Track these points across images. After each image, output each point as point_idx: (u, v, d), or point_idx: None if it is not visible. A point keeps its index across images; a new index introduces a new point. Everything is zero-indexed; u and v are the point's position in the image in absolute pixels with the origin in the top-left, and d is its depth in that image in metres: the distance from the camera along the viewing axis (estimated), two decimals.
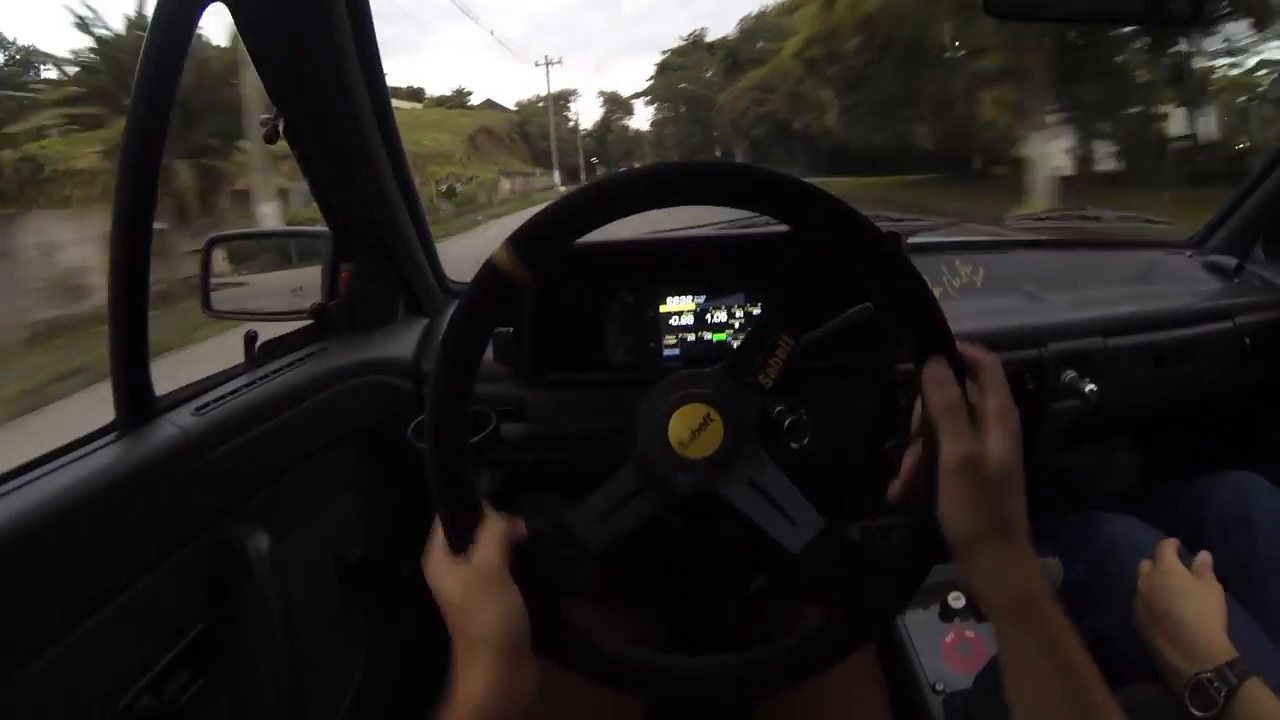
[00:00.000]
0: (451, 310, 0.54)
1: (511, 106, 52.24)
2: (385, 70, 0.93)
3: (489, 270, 0.50)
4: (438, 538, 0.54)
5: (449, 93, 53.79)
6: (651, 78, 51.01)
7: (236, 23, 0.79)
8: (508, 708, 0.50)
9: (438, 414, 0.52)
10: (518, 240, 0.50)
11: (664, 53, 49.86)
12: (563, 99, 54.01)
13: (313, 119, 0.89)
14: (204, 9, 0.70)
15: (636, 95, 57.20)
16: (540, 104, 48.97)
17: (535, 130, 44.47)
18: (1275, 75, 11.00)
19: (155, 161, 0.66)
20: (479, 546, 0.52)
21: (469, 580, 0.51)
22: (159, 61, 0.64)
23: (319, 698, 0.88)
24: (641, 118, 58.65)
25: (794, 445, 0.76)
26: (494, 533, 0.52)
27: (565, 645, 0.55)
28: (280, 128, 0.87)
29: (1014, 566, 0.49)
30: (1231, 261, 1.30)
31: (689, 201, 0.52)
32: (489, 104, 51.93)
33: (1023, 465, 0.49)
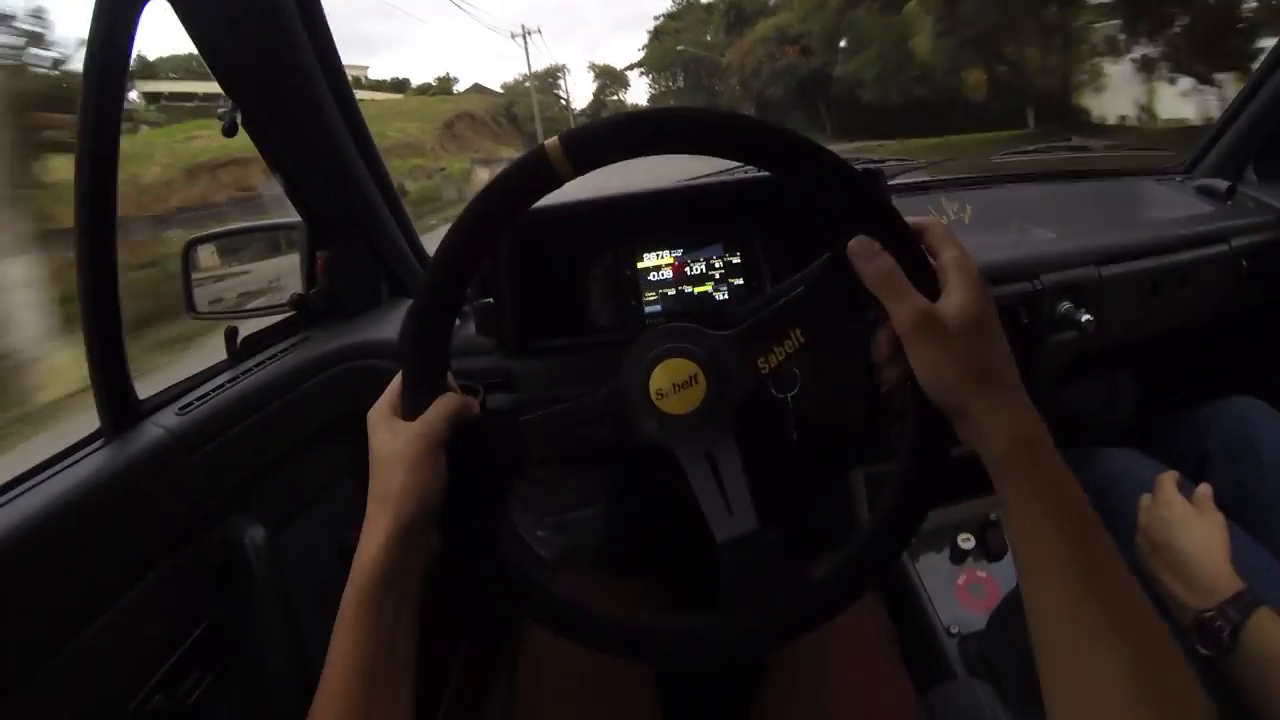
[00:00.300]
0: None
1: (499, 89, 50.30)
2: (376, 64, 0.92)
3: (537, 152, 0.50)
4: (390, 392, 0.55)
5: (433, 81, 52.53)
6: (644, 46, 48.65)
7: (179, 16, 0.78)
8: (398, 571, 0.51)
9: (438, 273, 0.52)
10: (570, 136, 0.49)
11: (656, 18, 47.23)
12: (551, 76, 51.55)
13: (270, 108, 0.87)
14: (143, 7, 0.67)
15: (631, 66, 55.47)
16: (526, 84, 45.08)
17: (523, 112, 40.52)
18: None
19: (111, 165, 0.65)
20: (427, 415, 0.52)
21: (404, 441, 0.51)
22: (103, 65, 0.63)
23: None
24: (638, 90, 56.82)
25: (779, 395, 0.76)
26: (446, 406, 0.52)
27: (468, 537, 0.55)
28: (238, 119, 0.85)
29: (1006, 411, 0.47)
30: (1223, 184, 1.28)
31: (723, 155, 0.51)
32: (476, 88, 50.34)
33: (995, 314, 0.48)
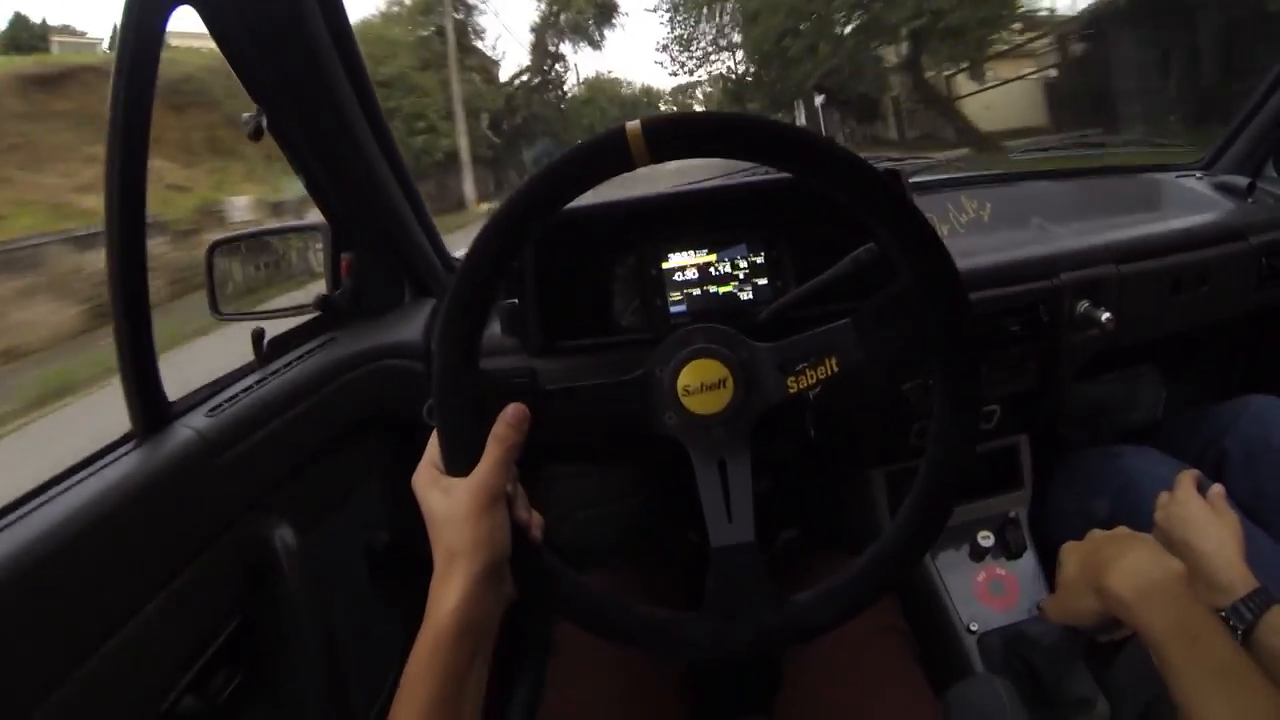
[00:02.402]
0: None
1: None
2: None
3: (615, 130, 0.50)
4: (430, 453, 0.56)
5: None
6: None
7: (205, 22, 0.78)
8: (480, 619, 0.52)
9: (472, 266, 0.53)
10: (653, 121, 0.50)
11: None
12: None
13: (295, 112, 0.88)
14: (172, 11, 0.69)
15: None
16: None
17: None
18: None
19: (141, 170, 0.66)
20: (479, 469, 0.53)
21: (461, 499, 0.52)
22: (133, 69, 0.64)
23: (359, 684, 0.89)
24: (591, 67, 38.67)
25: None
26: (495, 456, 0.53)
27: (542, 577, 0.57)
28: (263, 124, 0.86)
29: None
30: (1243, 181, 1.27)
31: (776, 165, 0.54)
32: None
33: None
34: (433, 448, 0.56)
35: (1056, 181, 1.34)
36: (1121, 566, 0.68)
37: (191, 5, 0.74)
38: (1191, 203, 1.28)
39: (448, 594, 0.51)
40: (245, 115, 0.88)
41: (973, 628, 1.00)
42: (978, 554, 1.06)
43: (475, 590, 0.51)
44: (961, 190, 1.24)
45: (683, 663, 0.84)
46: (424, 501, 0.54)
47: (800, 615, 0.55)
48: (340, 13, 0.88)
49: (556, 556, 0.58)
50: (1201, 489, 0.83)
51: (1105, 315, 0.98)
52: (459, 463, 0.53)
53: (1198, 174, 1.38)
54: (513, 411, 0.55)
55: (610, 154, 0.50)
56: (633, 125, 0.49)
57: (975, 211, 1.18)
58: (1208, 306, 1.16)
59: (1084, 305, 1.00)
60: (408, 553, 1.00)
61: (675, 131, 0.50)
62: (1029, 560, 1.06)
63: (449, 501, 0.52)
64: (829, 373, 0.56)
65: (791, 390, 0.56)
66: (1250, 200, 1.26)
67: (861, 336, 0.56)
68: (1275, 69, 1.28)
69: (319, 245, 1.04)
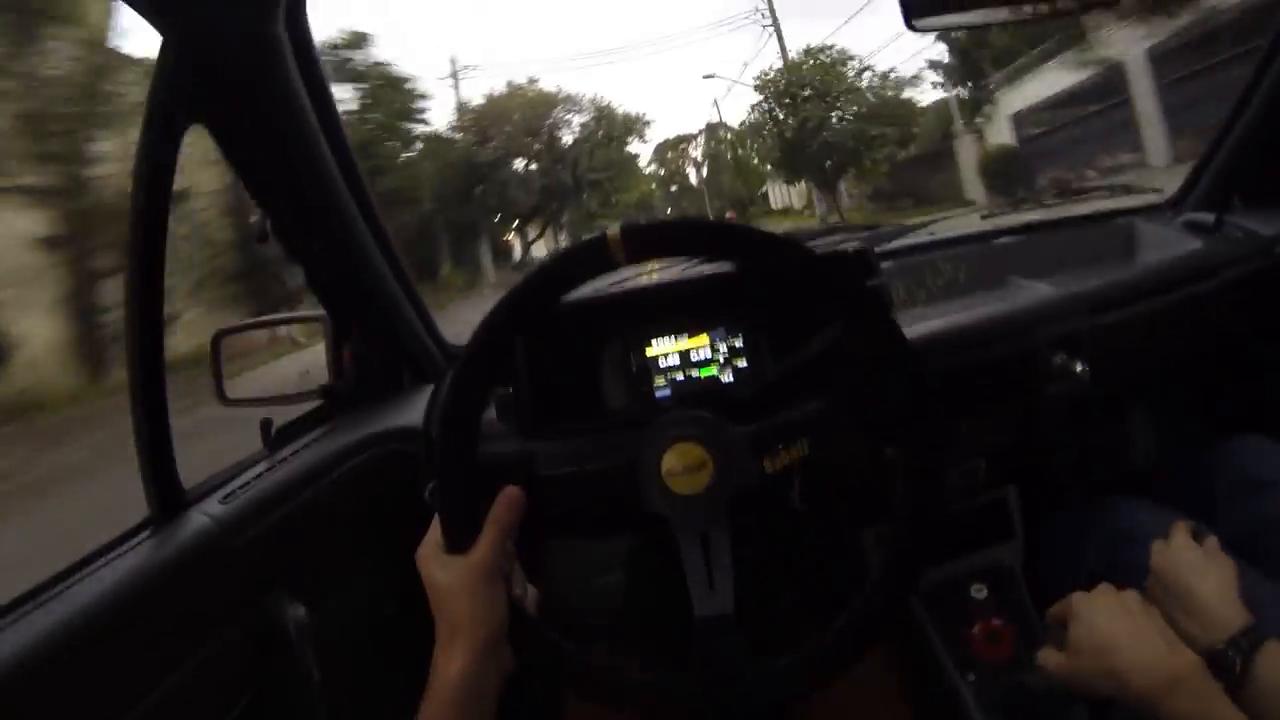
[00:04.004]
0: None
1: None
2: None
3: (599, 237, 0.56)
4: (434, 532, 0.60)
5: None
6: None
7: (215, 138, 0.84)
8: (481, 689, 0.55)
9: (476, 352, 0.58)
10: (631, 227, 0.55)
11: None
12: None
13: (297, 215, 0.94)
14: (185, 130, 0.76)
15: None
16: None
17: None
18: None
19: (158, 272, 0.72)
20: (477, 548, 0.56)
21: (459, 575, 0.56)
22: (151, 178, 0.71)
23: None
24: None
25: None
26: (491, 537, 0.57)
27: (538, 647, 0.60)
28: (268, 227, 0.92)
29: None
30: (1210, 217, 1.29)
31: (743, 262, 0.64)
32: None
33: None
34: (436, 527, 0.60)
35: (1030, 236, 1.38)
36: (1139, 662, 0.68)
37: (203, 125, 0.81)
38: (1161, 244, 1.31)
39: (450, 664, 0.54)
40: (252, 219, 0.94)
41: (970, 679, 1.01)
42: (973, 605, 1.07)
43: (476, 660, 0.54)
44: (936, 253, 1.28)
45: None
46: (427, 577, 0.58)
47: (781, 679, 0.59)
48: (335, 122, 0.94)
49: (552, 627, 0.61)
50: (1197, 537, 0.85)
51: (1081, 367, 1.01)
52: (459, 542, 0.58)
53: (1167, 215, 1.40)
54: (509, 494, 0.59)
55: (595, 256, 0.56)
56: (612, 230, 0.55)
57: (951, 274, 1.22)
58: (1184, 347, 1.18)
59: (1060, 358, 1.03)
60: (412, 628, 1.02)
61: (647, 237, 0.55)
62: (1024, 611, 1.08)
63: (450, 577, 0.56)
64: (803, 453, 0.60)
65: (768, 470, 0.60)
66: (1219, 235, 1.27)
67: (830, 418, 0.60)
68: (1232, 105, 1.30)
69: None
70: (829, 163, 15.43)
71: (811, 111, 15.00)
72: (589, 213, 19.98)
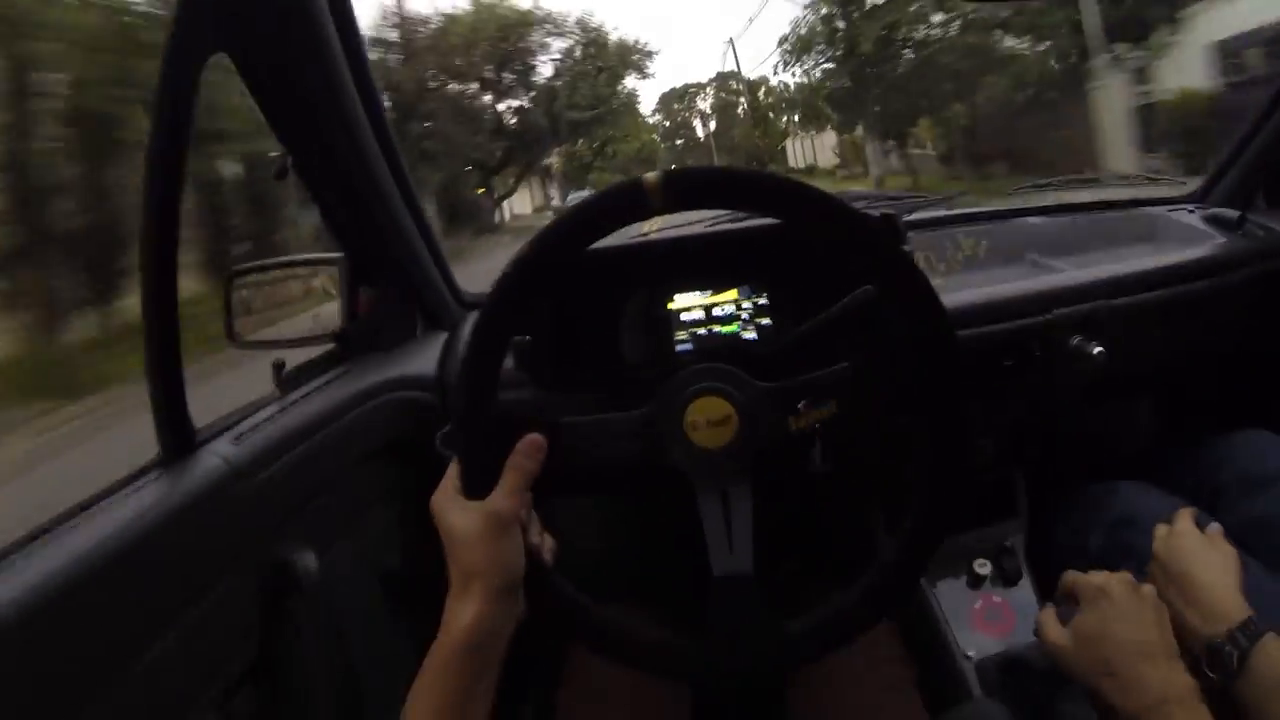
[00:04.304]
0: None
1: None
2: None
3: (634, 181, 0.53)
4: (450, 476, 0.59)
5: None
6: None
7: (239, 70, 0.83)
8: (493, 635, 0.55)
9: (485, 323, 0.57)
10: (671, 172, 0.53)
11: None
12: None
13: (319, 153, 0.93)
14: (207, 60, 0.74)
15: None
16: None
17: None
18: None
19: (175, 210, 0.70)
20: (495, 496, 0.56)
21: (476, 521, 0.55)
22: (169, 115, 0.68)
23: (374, 701, 0.92)
24: None
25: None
26: (511, 484, 0.56)
27: (553, 598, 0.60)
28: (289, 165, 0.90)
29: None
30: (1234, 214, 1.29)
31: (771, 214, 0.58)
32: None
33: None
34: (452, 472, 0.59)
35: (1052, 217, 1.37)
36: (1135, 677, 0.68)
37: (226, 53, 0.79)
38: (1183, 236, 1.30)
39: (464, 610, 0.54)
40: (272, 154, 0.93)
41: (970, 654, 1.02)
42: (975, 582, 1.08)
43: (490, 608, 0.54)
44: (959, 228, 1.27)
45: (690, 691, 0.86)
46: (442, 522, 0.57)
47: (794, 644, 0.58)
48: (363, 60, 0.92)
49: (567, 579, 0.61)
50: (1200, 525, 0.85)
51: (1097, 349, 1.01)
52: (477, 487, 0.57)
53: (1190, 208, 1.40)
54: (529, 441, 0.58)
55: (629, 200, 0.54)
56: (651, 174, 0.53)
57: (972, 248, 1.21)
58: (1200, 339, 1.19)
59: (1076, 340, 1.02)
60: (419, 575, 1.03)
61: (692, 184, 0.53)
62: (1025, 588, 1.08)
63: (467, 523, 0.55)
64: (828, 413, 0.59)
65: (792, 428, 0.59)
66: (1240, 233, 1.28)
67: (859, 380, 0.59)
68: (1263, 103, 1.30)
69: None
70: (916, 100, 11.15)
71: (900, 14, 10.79)
72: (582, 164, 17.78)
